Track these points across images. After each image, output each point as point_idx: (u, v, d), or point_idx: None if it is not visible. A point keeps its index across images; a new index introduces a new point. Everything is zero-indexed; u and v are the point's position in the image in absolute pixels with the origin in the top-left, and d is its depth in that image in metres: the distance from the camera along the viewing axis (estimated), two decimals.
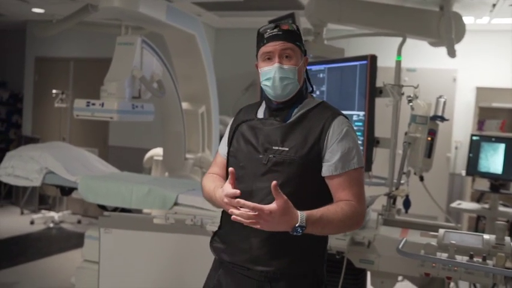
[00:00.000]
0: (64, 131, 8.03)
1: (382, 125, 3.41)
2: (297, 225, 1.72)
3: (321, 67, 3.68)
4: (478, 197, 4.83)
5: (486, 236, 2.59)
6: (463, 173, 5.14)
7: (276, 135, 1.95)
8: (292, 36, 1.96)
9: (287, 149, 1.91)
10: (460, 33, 4.36)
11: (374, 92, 3.26)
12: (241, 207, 1.73)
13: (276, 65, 1.94)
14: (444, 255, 2.44)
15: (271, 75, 1.95)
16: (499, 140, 4.41)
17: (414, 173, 3.30)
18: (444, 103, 3.32)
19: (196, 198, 3.48)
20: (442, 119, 3.25)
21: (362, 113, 3.29)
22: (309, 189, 1.92)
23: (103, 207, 4.02)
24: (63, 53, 8.19)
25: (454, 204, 4.58)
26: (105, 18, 5.67)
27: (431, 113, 3.24)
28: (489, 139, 4.44)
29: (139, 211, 4.32)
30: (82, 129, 7.99)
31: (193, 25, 4.97)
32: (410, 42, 3.79)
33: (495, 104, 6.34)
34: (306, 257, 1.93)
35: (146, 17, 4.22)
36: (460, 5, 5.05)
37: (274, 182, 1.68)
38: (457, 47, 4.34)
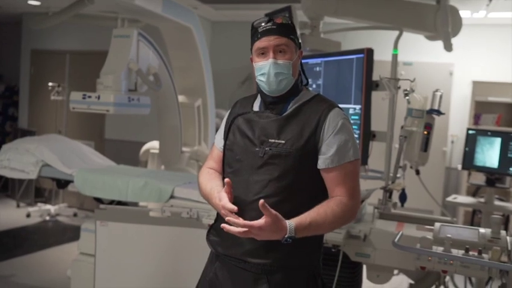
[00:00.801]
0: (60, 123, 8.01)
1: (378, 119, 3.41)
2: (286, 235, 1.78)
3: (318, 60, 3.67)
4: (474, 191, 4.83)
5: (482, 230, 2.60)
6: (459, 167, 5.15)
7: (272, 128, 1.95)
8: (286, 30, 1.96)
9: (283, 141, 1.92)
10: (456, 27, 4.35)
11: (370, 86, 3.25)
12: (232, 224, 1.80)
13: (271, 60, 1.94)
14: (440, 249, 2.44)
15: (265, 70, 1.95)
16: (495, 134, 4.41)
17: (411, 167, 3.30)
18: (441, 97, 3.32)
19: (192, 192, 3.48)
20: (438, 112, 3.25)
21: (358, 107, 3.29)
22: (305, 181, 1.93)
23: (99, 200, 4.02)
24: (59, 45, 8.16)
25: (449, 198, 4.59)
26: (101, 11, 5.64)
27: (428, 107, 3.23)
28: (485, 133, 4.44)
29: (135, 204, 4.32)
30: (78, 122, 7.97)
31: (189, 18, 4.96)
32: (407, 35, 3.79)
33: (491, 98, 6.34)
34: (302, 250, 1.93)
35: (142, 9, 4.21)
36: None
37: (261, 201, 1.74)
38: (454, 40, 4.33)
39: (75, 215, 7.35)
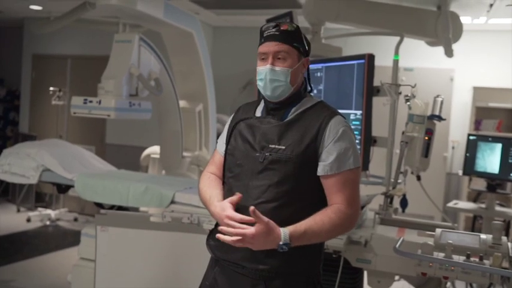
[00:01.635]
0: (61, 128, 8.01)
1: (379, 124, 3.41)
2: (281, 243, 1.78)
3: (319, 66, 3.67)
4: (475, 197, 4.83)
5: (483, 236, 2.59)
6: (460, 172, 5.14)
7: (273, 133, 1.96)
8: (290, 38, 1.96)
9: (284, 147, 1.92)
10: (457, 33, 4.37)
11: (371, 91, 3.25)
12: (224, 233, 1.83)
13: (268, 66, 1.96)
14: (441, 255, 2.44)
15: (263, 76, 1.97)
16: (495, 139, 4.41)
17: (412, 173, 3.30)
18: (442, 102, 3.32)
19: (193, 197, 3.47)
20: (439, 118, 3.25)
21: (359, 112, 3.29)
22: (305, 187, 1.93)
23: (100, 205, 4.01)
24: (60, 50, 8.17)
25: (450, 204, 4.58)
26: (103, 16, 5.66)
27: (429, 113, 3.24)
28: (486, 139, 4.44)
29: (136, 209, 4.31)
30: (79, 127, 7.97)
31: (191, 23, 4.97)
32: (408, 41, 3.79)
33: (492, 104, 6.35)
34: (301, 256, 1.92)
35: (144, 14, 4.21)
36: (457, 5, 5.06)
37: (251, 208, 1.75)
38: (454, 46, 4.34)
39: (75, 219, 7.34)
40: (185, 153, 5.20)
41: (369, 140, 3.30)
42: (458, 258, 2.41)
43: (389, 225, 3.14)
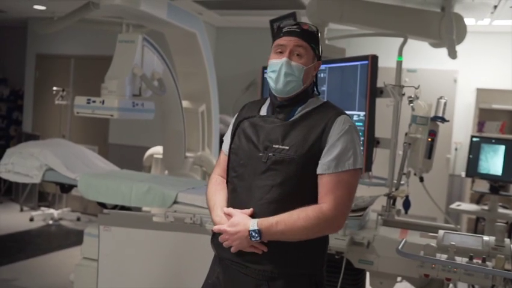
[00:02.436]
0: (64, 128, 8.02)
1: (382, 126, 3.41)
2: (250, 229, 1.82)
3: (322, 67, 3.67)
4: (478, 199, 4.83)
5: (486, 238, 2.59)
6: (463, 174, 5.14)
7: (277, 133, 1.95)
8: (309, 37, 1.99)
9: (287, 147, 1.91)
10: (460, 34, 4.36)
11: (374, 92, 3.25)
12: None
13: (285, 59, 1.96)
14: (443, 257, 2.44)
15: (277, 68, 1.96)
16: (499, 141, 4.41)
17: (414, 174, 3.30)
18: (445, 104, 3.32)
19: (196, 197, 3.48)
20: (443, 120, 3.25)
21: (362, 113, 3.29)
22: (308, 187, 1.92)
23: (103, 205, 4.02)
24: (64, 50, 8.18)
25: (453, 206, 4.58)
26: (106, 16, 5.66)
27: (432, 114, 3.23)
28: (489, 140, 4.44)
29: (139, 209, 4.32)
30: (82, 127, 7.98)
31: (194, 23, 4.97)
32: (411, 42, 3.79)
33: (495, 106, 6.34)
34: (304, 257, 1.92)
35: (148, 15, 4.22)
36: (461, 6, 5.05)
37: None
38: (458, 48, 4.33)
39: (78, 219, 7.35)
40: (188, 154, 5.20)
41: (372, 141, 3.30)
42: (461, 260, 2.41)
43: (392, 227, 3.13)
